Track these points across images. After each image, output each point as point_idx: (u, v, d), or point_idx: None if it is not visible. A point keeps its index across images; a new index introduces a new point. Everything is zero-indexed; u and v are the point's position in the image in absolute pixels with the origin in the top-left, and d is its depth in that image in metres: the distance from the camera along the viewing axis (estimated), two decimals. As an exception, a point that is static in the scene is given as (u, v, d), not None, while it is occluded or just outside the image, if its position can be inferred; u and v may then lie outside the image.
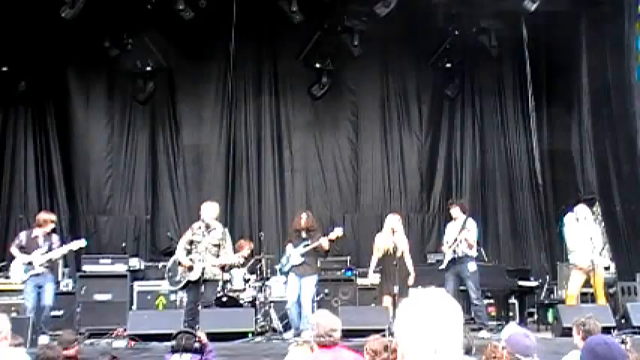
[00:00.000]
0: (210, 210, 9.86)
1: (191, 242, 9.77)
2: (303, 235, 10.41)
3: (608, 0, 12.56)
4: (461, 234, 10.62)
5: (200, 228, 9.80)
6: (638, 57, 12.38)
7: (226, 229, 10.07)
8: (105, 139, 14.28)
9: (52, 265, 10.10)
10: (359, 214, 14.72)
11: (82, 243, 10.28)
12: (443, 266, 10.78)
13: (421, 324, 2.75)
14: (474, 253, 10.72)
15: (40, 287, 9.81)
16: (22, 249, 9.92)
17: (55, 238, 10.17)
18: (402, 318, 2.85)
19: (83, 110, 14.21)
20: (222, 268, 10.10)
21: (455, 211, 10.95)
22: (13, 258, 10.07)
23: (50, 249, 9.94)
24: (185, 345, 7.19)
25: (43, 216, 10.30)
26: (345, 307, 10.92)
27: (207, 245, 9.70)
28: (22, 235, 10.17)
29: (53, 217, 10.50)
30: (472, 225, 10.80)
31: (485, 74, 15.23)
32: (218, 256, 9.76)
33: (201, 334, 7.50)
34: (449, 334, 2.74)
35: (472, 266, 10.55)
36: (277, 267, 11.13)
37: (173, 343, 7.30)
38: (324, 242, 10.20)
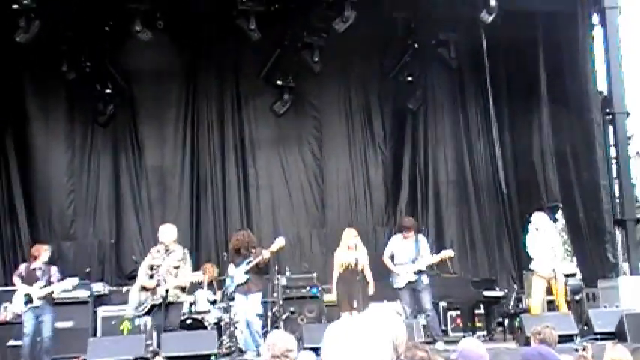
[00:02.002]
0: (168, 232, 9.75)
1: (152, 267, 9.64)
2: (244, 252, 10.18)
3: (563, 10, 12.69)
4: (419, 252, 10.59)
5: (159, 251, 9.68)
6: (594, 65, 12.55)
7: (187, 250, 9.92)
8: (66, 164, 14.14)
9: (50, 297, 10.12)
10: (326, 229, 14.67)
11: (75, 281, 10.30)
12: (400, 285, 10.58)
13: (342, 346, 2.73)
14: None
15: (38, 318, 9.92)
16: (24, 279, 10.08)
17: (53, 270, 10.23)
18: (325, 340, 2.84)
19: (43, 135, 14.07)
20: (183, 289, 9.95)
21: (409, 232, 10.82)
22: None
23: (49, 282, 10.03)
24: (142, 371, 7.08)
25: (35, 247, 10.47)
26: (311, 324, 10.85)
27: (167, 268, 9.57)
28: (22, 267, 10.32)
29: (45, 246, 10.51)
30: (425, 242, 10.87)
31: (447, 86, 15.32)
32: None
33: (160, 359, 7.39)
34: (372, 354, 2.72)
35: (425, 279, 10.54)
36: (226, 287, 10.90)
37: (130, 369, 7.19)
38: (265, 254, 9.88)
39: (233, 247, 10.26)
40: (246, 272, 9.91)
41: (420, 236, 10.92)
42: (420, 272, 10.48)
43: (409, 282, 10.51)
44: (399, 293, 10.58)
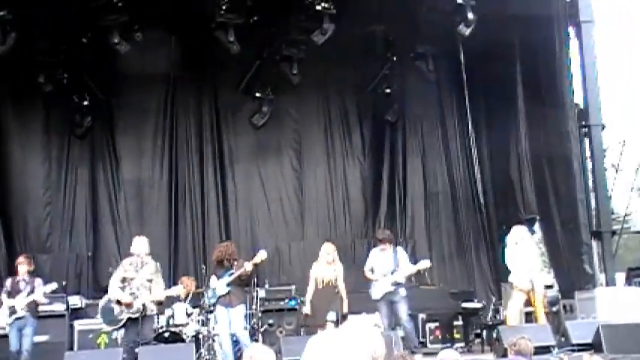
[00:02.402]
0: (142, 245, 9.68)
1: (124, 279, 9.55)
2: (226, 264, 10.16)
3: (540, 23, 12.80)
4: (397, 264, 10.57)
5: (131, 264, 9.59)
6: (571, 78, 12.66)
7: (158, 264, 9.86)
8: (43, 176, 14.04)
9: (34, 308, 10.11)
10: (304, 242, 14.64)
11: (54, 286, 10.23)
12: (378, 297, 10.55)
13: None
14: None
15: (21, 330, 9.91)
16: (10, 294, 10.04)
17: (37, 281, 10.20)
18: (305, 354, 2.83)
19: (19, 147, 13.96)
20: (160, 304, 9.89)
21: (385, 245, 10.80)
22: None
23: (32, 291, 10.00)
24: (118, 385, 7.00)
25: (18, 259, 10.44)
26: (289, 337, 10.82)
27: (141, 281, 9.50)
28: (8, 282, 10.28)
29: (20, 259, 10.47)
30: (404, 253, 10.86)
31: (425, 98, 15.40)
32: (150, 290, 9.57)
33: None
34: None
35: (403, 291, 10.52)
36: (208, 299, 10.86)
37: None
38: (247, 266, 9.88)
39: (216, 259, 10.25)
40: (228, 284, 9.92)
41: (399, 248, 10.94)
42: (397, 284, 10.46)
43: (386, 293, 10.48)
44: (377, 305, 10.55)
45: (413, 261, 11.48)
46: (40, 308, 11.18)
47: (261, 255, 10.13)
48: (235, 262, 10.00)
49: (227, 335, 9.94)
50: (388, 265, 10.58)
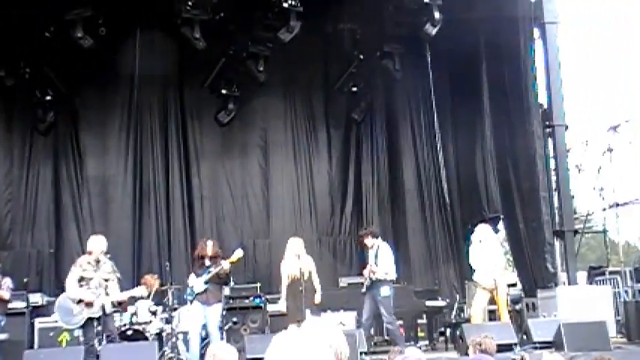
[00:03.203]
0: (100, 244, 9.53)
1: (81, 278, 9.41)
2: (207, 262, 10.25)
3: (505, 24, 12.92)
4: (376, 261, 10.63)
5: (90, 263, 9.44)
6: (535, 79, 12.80)
7: (113, 263, 9.72)
8: (4, 173, 13.83)
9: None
10: (270, 239, 14.60)
11: (8, 281, 10.31)
12: (363, 290, 10.77)
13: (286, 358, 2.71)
14: (390, 276, 10.68)
15: None
16: None
17: (5, 281, 10.28)
18: (269, 352, 2.82)
19: (-20, 143, 13.72)
20: (120, 304, 9.81)
21: (368, 240, 10.97)
22: None
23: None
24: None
25: None
26: (254, 335, 10.78)
27: (99, 281, 9.37)
28: None
29: None
30: (385, 250, 10.84)
31: (391, 97, 15.45)
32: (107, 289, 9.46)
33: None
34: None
35: (385, 290, 10.54)
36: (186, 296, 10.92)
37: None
38: (225, 265, 10.07)
39: (200, 254, 10.31)
40: (206, 282, 9.98)
41: (382, 245, 10.89)
42: (379, 282, 10.50)
43: (367, 288, 10.61)
44: (363, 298, 10.67)
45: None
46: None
47: (238, 253, 10.38)
48: (215, 260, 10.10)
49: (197, 332, 10.04)
50: (370, 261, 10.71)
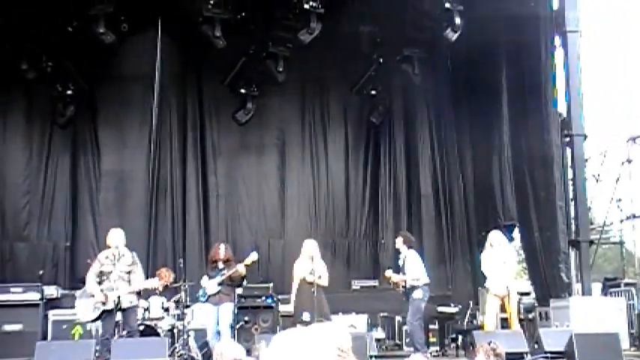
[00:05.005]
0: (118, 237, 9.63)
1: (101, 273, 9.50)
2: (220, 266, 10.37)
3: (526, 32, 12.85)
4: (403, 267, 10.76)
5: (108, 257, 9.53)
6: (555, 87, 12.72)
7: (134, 253, 9.82)
8: (23, 164, 13.93)
9: None
10: (284, 240, 14.63)
11: None
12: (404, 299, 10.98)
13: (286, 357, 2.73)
14: (422, 281, 10.75)
15: None
16: None
17: None
18: (270, 350, 2.83)
19: (0, 134, 13.81)
20: (139, 294, 9.86)
21: (398, 241, 11.10)
22: None
23: None
24: (88, 378, 6.96)
25: None
26: (264, 334, 10.79)
27: (119, 274, 9.45)
28: None
29: None
30: (412, 258, 10.87)
31: (410, 101, 15.43)
32: (130, 282, 9.54)
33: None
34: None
35: (417, 293, 10.65)
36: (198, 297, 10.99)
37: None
38: (240, 268, 10.23)
39: (212, 258, 10.47)
40: (219, 284, 10.10)
41: (409, 254, 10.93)
42: (412, 288, 10.62)
43: (402, 294, 10.80)
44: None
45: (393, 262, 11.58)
46: (14, 298, 11.19)
47: (253, 256, 10.47)
48: (229, 264, 10.18)
49: (213, 332, 10.19)
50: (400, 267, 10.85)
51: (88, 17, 12.09)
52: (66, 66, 13.38)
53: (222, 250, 10.57)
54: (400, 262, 10.85)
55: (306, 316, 9.86)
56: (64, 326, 11.41)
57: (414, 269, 10.75)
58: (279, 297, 12.04)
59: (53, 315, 11.62)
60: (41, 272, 12.54)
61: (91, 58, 13.53)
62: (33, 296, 11.46)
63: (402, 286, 10.70)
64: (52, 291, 12.25)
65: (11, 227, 13.70)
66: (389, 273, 11.07)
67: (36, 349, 9.15)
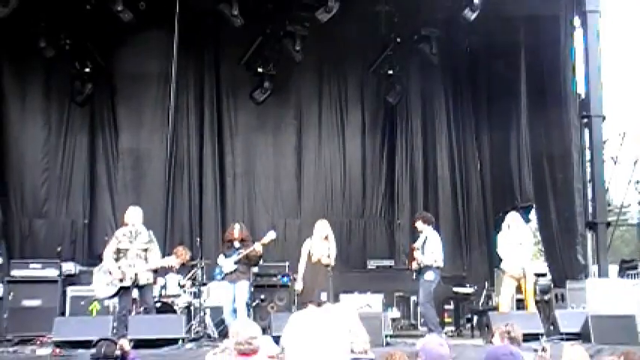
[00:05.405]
0: (136, 215, 9.72)
1: (118, 250, 9.58)
2: (236, 245, 10.44)
3: (545, 12, 12.73)
4: (421, 245, 10.64)
5: (125, 235, 9.61)
6: (573, 68, 12.61)
7: (151, 232, 9.89)
8: (41, 142, 13.99)
9: None
10: (301, 219, 14.64)
11: None
12: (414, 277, 10.83)
13: (300, 336, 2.75)
14: (438, 263, 10.64)
15: None
16: None
17: None
18: (286, 330, 2.84)
19: (19, 111, 13.89)
20: (155, 271, 9.95)
21: (419, 224, 10.96)
22: None
23: None
24: (106, 353, 7.08)
25: None
26: (280, 313, 10.88)
27: (136, 251, 9.53)
28: None
29: None
30: (434, 238, 10.77)
31: (427, 82, 15.35)
32: (147, 259, 9.62)
33: (124, 342, 7.36)
34: (327, 345, 2.74)
35: (428, 275, 10.50)
36: (215, 275, 11.08)
37: (93, 351, 7.17)
38: (257, 247, 10.30)
39: (227, 239, 10.58)
40: (236, 262, 10.18)
41: (431, 233, 10.80)
42: (426, 267, 10.49)
43: (416, 274, 10.68)
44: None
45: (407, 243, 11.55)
46: (33, 274, 11.32)
47: (270, 235, 10.54)
48: (245, 243, 10.27)
49: (229, 309, 10.30)
50: (417, 247, 10.74)
51: (106, -5, 12.09)
52: (84, 44, 13.39)
53: (236, 230, 10.64)
54: (419, 242, 10.75)
55: (323, 296, 9.93)
56: (82, 302, 11.52)
57: (435, 248, 10.67)
58: (295, 276, 12.09)
59: (71, 291, 11.73)
60: (59, 249, 12.61)
61: (109, 36, 13.58)
62: (51, 272, 11.57)
63: (417, 264, 10.60)
64: (70, 267, 12.36)
65: (30, 204, 13.80)
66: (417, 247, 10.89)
67: (54, 324, 9.30)
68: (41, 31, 12.73)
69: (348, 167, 15.20)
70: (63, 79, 13.90)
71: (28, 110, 13.99)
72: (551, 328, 10.09)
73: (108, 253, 9.60)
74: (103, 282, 9.58)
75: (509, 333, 6.48)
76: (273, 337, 7.95)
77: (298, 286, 10.51)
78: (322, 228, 10.50)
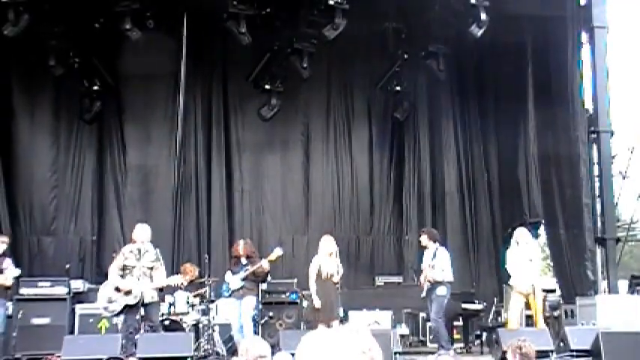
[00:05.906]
0: (144, 232, 9.73)
1: (124, 267, 9.58)
2: (243, 261, 10.43)
3: (553, 27, 12.75)
4: (432, 262, 10.61)
5: (132, 252, 9.61)
6: (581, 83, 12.60)
7: (158, 250, 9.89)
8: (50, 159, 14.07)
9: (2, 289, 10.21)
10: (308, 235, 14.61)
11: (16, 272, 10.37)
12: (423, 294, 10.75)
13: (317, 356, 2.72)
14: (448, 278, 10.62)
15: None
16: None
17: (7, 261, 10.30)
18: (300, 349, 2.82)
19: (28, 129, 14.00)
20: (161, 290, 9.94)
21: (423, 239, 10.96)
22: None
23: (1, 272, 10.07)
24: (114, 371, 7.03)
25: None
26: (288, 330, 10.84)
27: (142, 269, 9.53)
28: None
29: (4, 238, 10.55)
30: (443, 254, 10.77)
31: (435, 98, 15.36)
32: (152, 278, 9.61)
33: (133, 360, 7.34)
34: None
35: (440, 290, 10.52)
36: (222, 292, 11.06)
37: (102, 369, 7.14)
38: (264, 263, 10.29)
39: (233, 255, 10.53)
40: (243, 279, 10.16)
41: (440, 249, 10.81)
42: (437, 283, 10.46)
43: (427, 291, 10.62)
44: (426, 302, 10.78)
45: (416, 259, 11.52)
46: (42, 292, 11.31)
47: (277, 252, 10.53)
48: (252, 259, 10.25)
49: (237, 327, 10.32)
50: (424, 264, 10.73)
51: (114, 14, 12.16)
52: (93, 62, 13.50)
53: (241, 247, 10.64)
54: (428, 259, 10.70)
55: (340, 312, 9.94)
56: (91, 320, 11.50)
57: (445, 264, 10.64)
58: (304, 293, 12.05)
59: (80, 309, 11.71)
60: (68, 266, 12.63)
61: (117, 54, 13.67)
62: (60, 290, 11.56)
63: (428, 281, 10.56)
64: (78, 285, 12.37)
65: (39, 222, 13.85)
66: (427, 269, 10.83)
67: (64, 342, 9.28)
68: (50, 50, 12.80)
69: (355, 183, 15.21)
70: (72, 97, 14.00)
71: (36, 127, 14.09)
72: (561, 344, 9.99)
73: (113, 269, 9.60)
74: (106, 297, 9.56)
75: (520, 349, 6.42)
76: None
77: (317, 303, 10.30)
78: (327, 245, 10.47)
